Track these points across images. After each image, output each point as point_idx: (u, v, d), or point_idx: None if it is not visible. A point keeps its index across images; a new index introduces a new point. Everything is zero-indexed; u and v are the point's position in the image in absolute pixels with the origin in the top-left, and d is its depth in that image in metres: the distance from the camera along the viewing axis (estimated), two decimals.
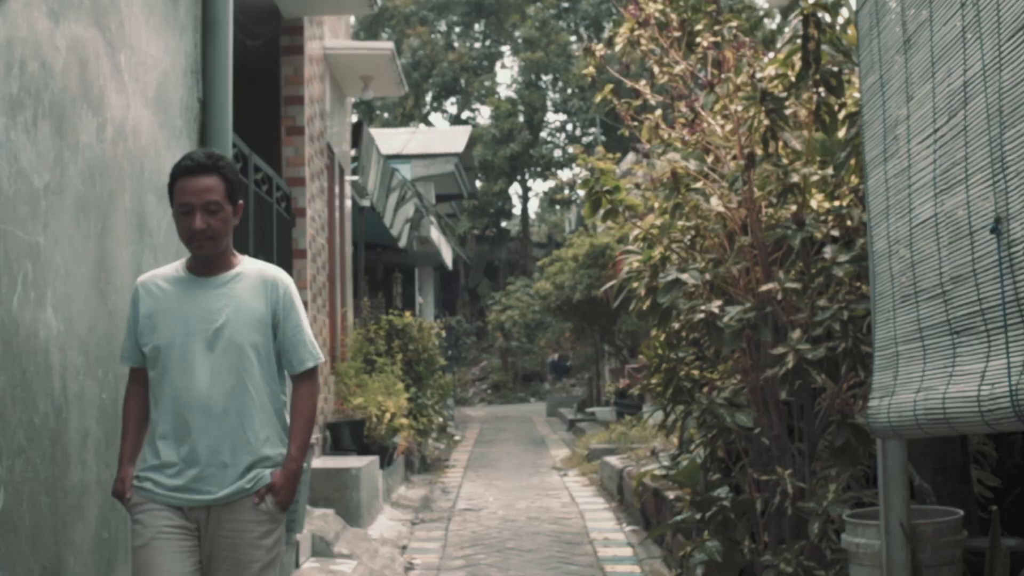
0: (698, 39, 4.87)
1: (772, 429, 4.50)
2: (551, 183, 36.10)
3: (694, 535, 4.95)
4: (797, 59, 4.33)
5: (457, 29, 37.17)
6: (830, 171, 4.45)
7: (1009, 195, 2.23)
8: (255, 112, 7.80)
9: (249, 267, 3.11)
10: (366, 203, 11.54)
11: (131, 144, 4.01)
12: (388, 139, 18.78)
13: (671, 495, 6.63)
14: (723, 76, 4.66)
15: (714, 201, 4.56)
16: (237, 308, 3.01)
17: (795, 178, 4.38)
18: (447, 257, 17.81)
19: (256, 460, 2.98)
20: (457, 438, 15.25)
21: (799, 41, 4.29)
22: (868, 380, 3.41)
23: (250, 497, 2.96)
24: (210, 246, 2.98)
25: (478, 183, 30.67)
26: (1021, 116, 2.20)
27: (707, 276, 4.50)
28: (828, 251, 4.18)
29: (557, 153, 35.65)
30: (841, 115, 4.39)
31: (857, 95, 3.98)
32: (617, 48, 5.03)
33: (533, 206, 43.21)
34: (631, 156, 8.78)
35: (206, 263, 3.04)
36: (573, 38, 34.62)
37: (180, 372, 2.96)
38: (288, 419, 3.11)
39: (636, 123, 4.99)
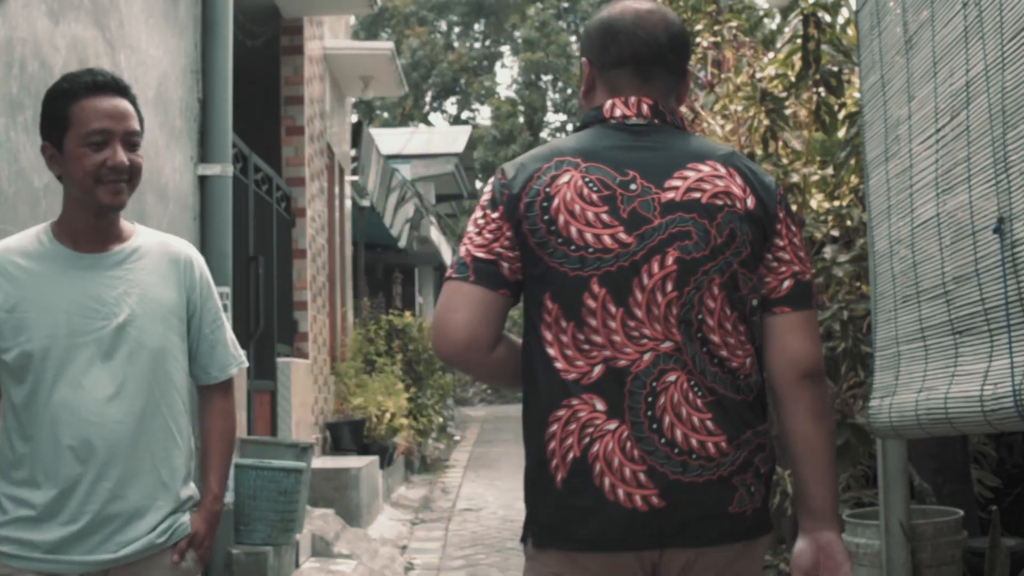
0: (698, 39, 4.87)
1: (772, 429, 4.49)
2: None
3: None
4: (797, 59, 4.34)
5: (457, 29, 37.18)
6: (830, 171, 4.45)
7: (1012, 195, 2.23)
8: (255, 112, 7.80)
9: (147, 240, 2.27)
10: (366, 203, 11.54)
11: None
12: (388, 139, 18.78)
13: None
14: (723, 76, 4.66)
15: None
16: (143, 297, 2.19)
17: (795, 178, 4.38)
18: (447, 257, 17.80)
19: (177, 506, 2.21)
20: (457, 438, 15.25)
21: (799, 41, 4.29)
22: (868, 380, 3.41)
23: (165, 553, 2.18)
24: (124, 195, 2.15)
25: (478, 183, 30.68)
26: (1023, 116, 2.20)
27: None
28: (828, 251, 4.18)
29: None
30: (841, 115, 4.39)
31: (857, 95, 3.98)
32: None
33: None
34: None
35: (91, 232, 2.17)
36: (573, 38, 34.62)
37: (64, 389, 2.10)
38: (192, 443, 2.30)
39: None
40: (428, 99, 36.01)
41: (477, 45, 37.36)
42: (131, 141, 2.16)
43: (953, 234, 2.56)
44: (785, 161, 4.47)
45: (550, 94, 35.59)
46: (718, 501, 1.82)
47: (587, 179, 1.86)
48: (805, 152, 4.47)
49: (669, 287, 1.83)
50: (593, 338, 1.83)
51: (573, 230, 1.84)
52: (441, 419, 12.98)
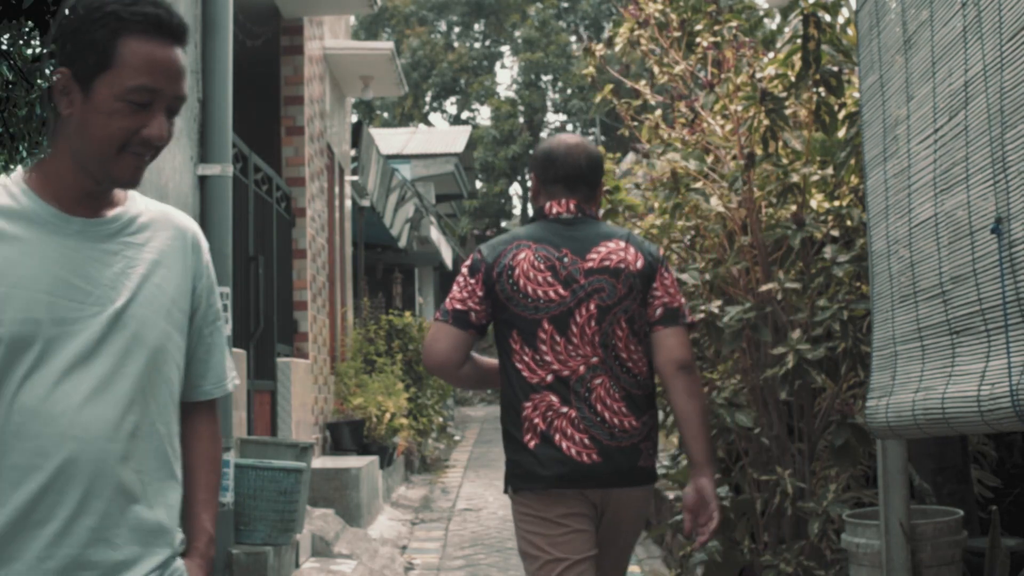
0: (698, 39, 4.88)
1: (772, 429, 4.50)
2: None
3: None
4: (797, 59, 4.34)
5: (457, 29, 37.19)
6: (830, 171, 4.45)
7: (1010, 195, 2.24)
8: (255, 112, 7.81)
9: (147, 207, 1.79)
10: (366, 203, 11.55)
11: None
12: (388, 139, 18.79)
13: (671, 495, 6.63)
14: (723, 76, 4.66)
15: (714, 201, 4.56)
16: (145, 280, 1.71)
17: (795, 178, 4.38)
18: (447, 257, 17.81)
19: (173, 553, 1.72)
20: (457, 438, 15.25)
21: (799, 41, 4.29)
22: (868, 380, 3.41)
23: None
24: (143, 172, 1.70)
25: (478, 184, 30.69)
26: (1022, 116, 2.20)
27: (707, 276, 4.51)
28: (828, 251, 4.18)
29: None
30: (841, 115, 4.39)
31: (857, 95, 3.98)
32: (617, 48, 5.04)
33: None
34: (631, 156, 8.79)
35: (81, 192, 1.68)
36: (573, 38, 34.62)
37: (37, 390, 1.60)
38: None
39: (636, 123, 5.00)
40: (428, 99, 36.01)
41: (477, 45, 37.35)
42: (175, 108, 1.68)
43: (951, 234, 2.57)
44: (785, 161, 4.47)
45: (550, 94, 35.59)
46: (632, 459, 2.85)
47: (537, 255, 2.89)
48: (805, 152, 4.47)
49: (593, 323, 2.85)
50: (545, 358, 2.84)
51: (529, 288, 2.86)
52: (441, 419, 12.99)
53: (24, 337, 1.59)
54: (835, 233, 4.33)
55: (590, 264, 2.87)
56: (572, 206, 2.96)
